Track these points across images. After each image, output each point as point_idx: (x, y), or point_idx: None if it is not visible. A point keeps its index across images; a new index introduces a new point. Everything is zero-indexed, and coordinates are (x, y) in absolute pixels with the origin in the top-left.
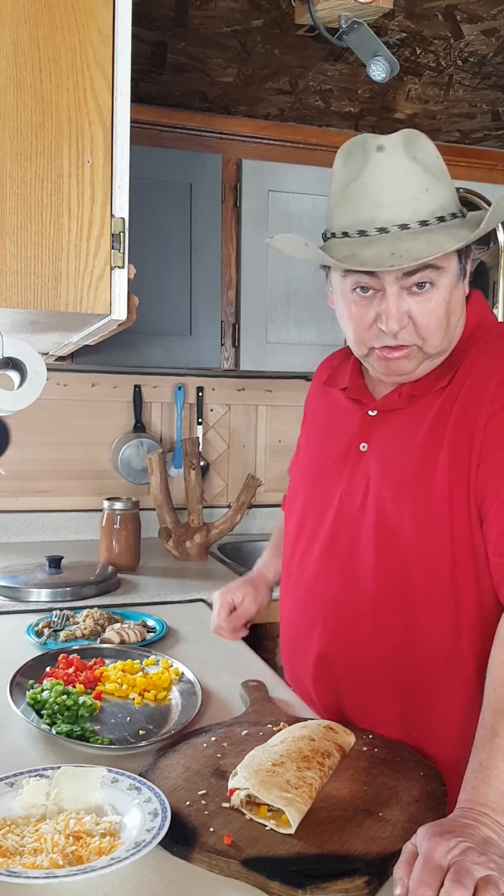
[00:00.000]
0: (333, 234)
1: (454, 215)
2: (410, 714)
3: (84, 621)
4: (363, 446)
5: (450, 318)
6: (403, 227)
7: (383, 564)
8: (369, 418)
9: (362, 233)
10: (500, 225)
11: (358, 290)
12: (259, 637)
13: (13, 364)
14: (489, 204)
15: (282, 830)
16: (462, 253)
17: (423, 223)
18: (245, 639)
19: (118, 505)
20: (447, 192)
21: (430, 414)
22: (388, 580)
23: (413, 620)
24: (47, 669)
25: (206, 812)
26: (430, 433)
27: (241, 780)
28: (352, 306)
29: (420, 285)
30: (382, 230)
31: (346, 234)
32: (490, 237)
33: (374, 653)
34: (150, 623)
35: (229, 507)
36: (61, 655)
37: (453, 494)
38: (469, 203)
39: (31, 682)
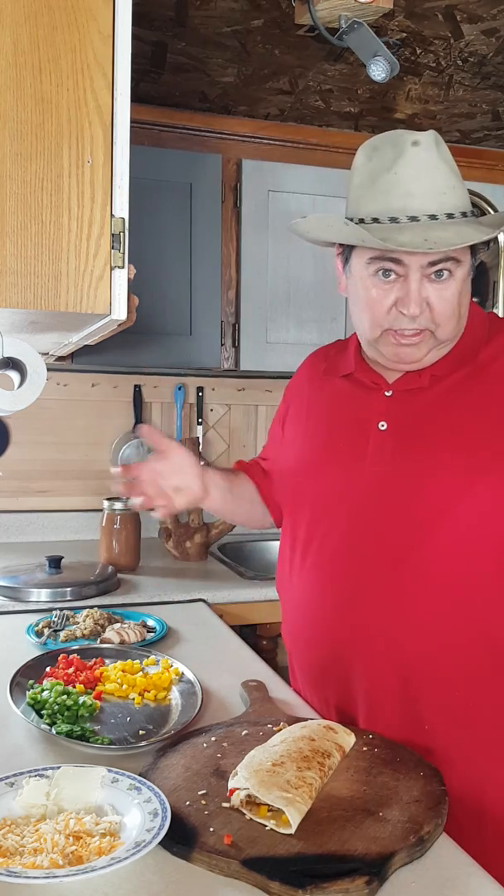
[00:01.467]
0: (362, 220)
1: (472, 213)
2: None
3: (84, 621)
4: (382, 425)
5: (461, 309)
6: (432, 217)
7: (428, 535)
8: (386, 399)
9: (393, 220)
10: None
11: (380, 274)
12: (259, 637)
13: (13, 364)
14: (489, 204)
15: (282, 830)
16: (475, 250)
17: (450, 216)
18: (245, 639)
19: (118, 505)
20: (464, 194)
21: (472, 391)
22: (437, 550)
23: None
24: (47, 669)
25: (206, 812)
26: (484, 407)
27: (241, 780)
28: (372, 290)
29: (439, 273)
30: (413, 218)
31: (375, 220)
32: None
33: (426, 635)
34: (150, 623)
35: None
36: (61, 655)
37: None
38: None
39: (31, 682)
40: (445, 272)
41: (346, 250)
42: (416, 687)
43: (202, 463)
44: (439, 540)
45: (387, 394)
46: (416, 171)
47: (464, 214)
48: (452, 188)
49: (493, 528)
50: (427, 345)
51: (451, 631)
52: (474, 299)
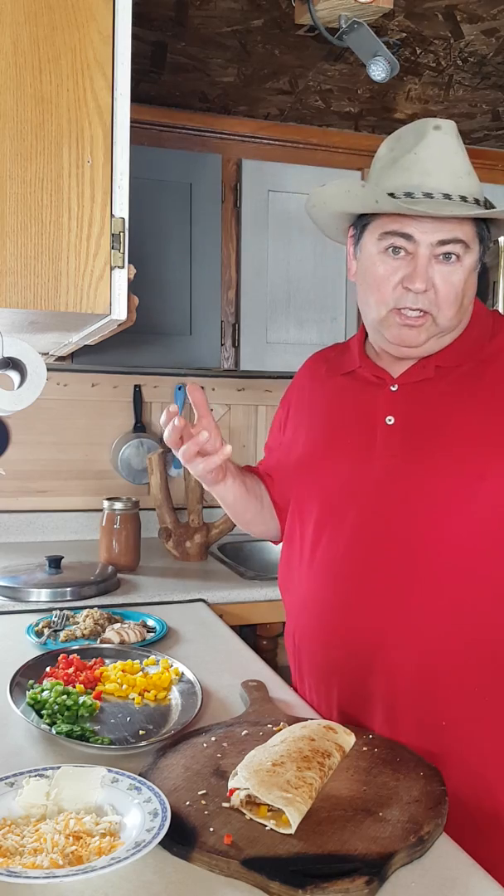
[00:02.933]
0: (388, 194)
1: (486, 204)
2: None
3: (84, 621)
4: (390, 419)
5: (464, 298)
6: (447, 196)
7: (438, 529)
8: (392, 393)
9: (409, 195)
10: None
11: (391, 251)
12: (259, 637)
13: (13, 364)
14: (492, 205)
15: (282, 830)
16: (483, 243)
17: (463, 198)
18: (245, 639)
19: (118, 505)
20: (479, 186)
21: (476, 385)
22: (445, 543)
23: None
24: (47, 669)
25: (206, 812)
26: (487, 401)
27: (241, 780)
28: (380, 267)
29: (447, 256)
30: (428, 195)
31: (392, 195)
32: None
33: (439, 633)
34: (150, 623)
35: None
36: (61, 655)
37: None
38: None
39: (31, 682)
40: (454, 256)
41: (358, 231)
42: (430, 684)
43: None
44: (450, 533)
45: (392, 388)
46: (435, 153)
47: (477, 201)
48: (468, 174)
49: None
50: (427, 331)
51: (464, 625)
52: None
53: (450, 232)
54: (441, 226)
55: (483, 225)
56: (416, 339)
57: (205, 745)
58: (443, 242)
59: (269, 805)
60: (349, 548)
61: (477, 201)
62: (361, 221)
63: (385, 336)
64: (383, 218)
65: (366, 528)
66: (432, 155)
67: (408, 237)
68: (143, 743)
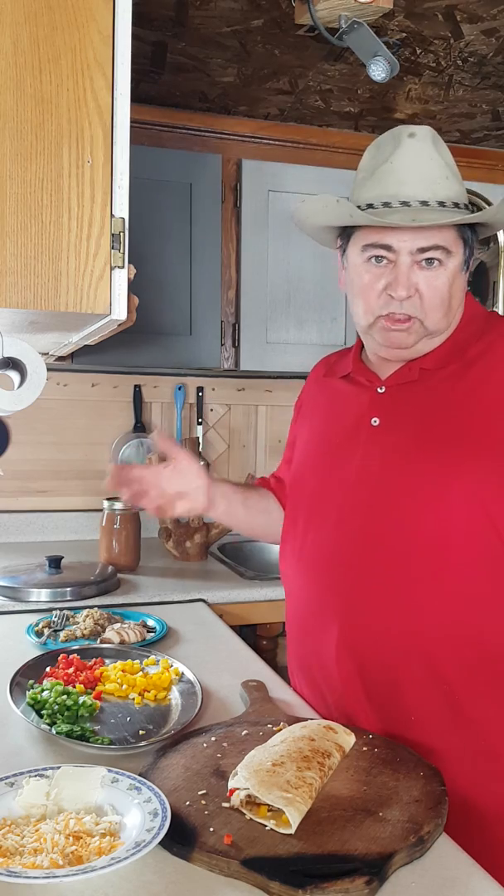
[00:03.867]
0: (358, 207)
1: (467, 207)
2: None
3: (84, 621)
4: (375, 421)
5: (451, 301)
6: (424, 203)
7: (411, 528)
8: (378, 395)
9: (386, 204)
10: None
11: (373, 259)
12: (259, 637)
13: (13, 364)
14: (489, 204)
15: (282, 830)
16: (468, 245)
17: (441, 204)
18: (245, 639)
19: (118, 505)
20: (460, 188)
21: (455, 387)
22: (417, 542)
23: (445, 582)
24: (47, 669)
25: (206, 812)
26: (465, 403)
27: (241, 780)
28: (365, 276)
29: (429, 261)
30: (405, 203)
31: (370, 206)
32: (490, 237)
33: (405, 629)
34: (150, 623)
35: None
36: (61, 655)
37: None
38: (469, 202)
39: (31, 682)
40: (436, 261)
41: (344, 242)
42: (404, 681)
43: (217, 477)
44: (423, 532)
45: (379, 390)
46: (410, 161)
47: (456, 205)
48: (446, 178)
49: (475, 524)
50: (416, 333)
51: (443, 626)
52: (475, 298)
53: (429, 239)
54: (420, 233)
55: (466, 227)
56: (405, 341)
57: (205, 745)
58: (423, 250)
59: (269, 805)
60: (327, 547)
61: (457, 205)
62: (346, 233)
63: (376, 339)
64: (364, 229)
65: (344, 528)
66: (407, 163)
67: (387, 248)
68: (143, 743)
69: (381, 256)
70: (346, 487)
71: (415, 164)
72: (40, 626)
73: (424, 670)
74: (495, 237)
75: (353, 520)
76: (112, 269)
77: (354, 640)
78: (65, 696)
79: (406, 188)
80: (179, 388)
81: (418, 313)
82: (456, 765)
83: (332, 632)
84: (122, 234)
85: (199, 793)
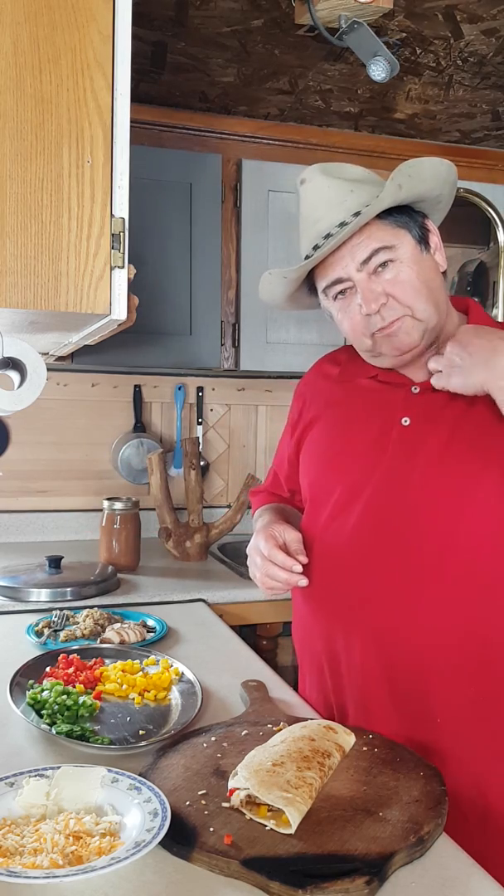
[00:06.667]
0: (305, 258)
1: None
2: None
3: (84, 621)
4: (405, 420)
5: (427, 284)
6: (342, 224)
7: (441, 529)
8: (412, 395)
9: (316, 247)
10: (500, 225)
11: (339, 296)
12: (259, 637)
13: (13, 364)
14: (489, 204)
15: (282, 830)
16: (414, 225)
17: (356, 214)
18: (245, 639)
19: (118, 505)
20: (374, 188)
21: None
22: (447, 543)
23: (483, 587)
24: (47, 669)
25: (206, 812)
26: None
27: (241, 780)
28: (339, 313)
29: (382, 265)
30: (328, 236)
31: (307, 257)
32: (490, 237)
33: (436, 630)
34: (150, 623)
35: (229, 507)
36: (61, 655)
37: None
38: (469, 203)
39: (31, 682)
40: (387, 261)
41: (316, 298)
42: (425, 682)
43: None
44: (452, 534)
45: (414, 390)
46: (312, 201)
47: (368, 205)
48: (351, 192)
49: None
50: (414, 328)
51: (463, 627)
52: (475, 299)
53: (364, 248)
54: (353, 248)
55: (399, 212)
56: (407, 341)
57: (205, 745)
58: (366, 260)
59: (269, 805)
60: (349, 544)
61: (368, 205)
62: (313, 290)
63: (384, 353)
64: (318, 277)
65: (368, 526)
66: (312, 204)
67: (338, 280)
68: (143, 743)
69: (341, 290)
70: (372, 486)
71: (317, 201)
72: (40, 626)
73: (448, 669)
74: (495, 237)
75: (380, 520)
76: (112, 269)
77: (382, 644)
78: (65, 696)
79: (322, 223)
80: (179, 388)
81: (403, 311)
82: (480, 765)
83: (356, 634)
84: (122, 234)
85: (199, 793)
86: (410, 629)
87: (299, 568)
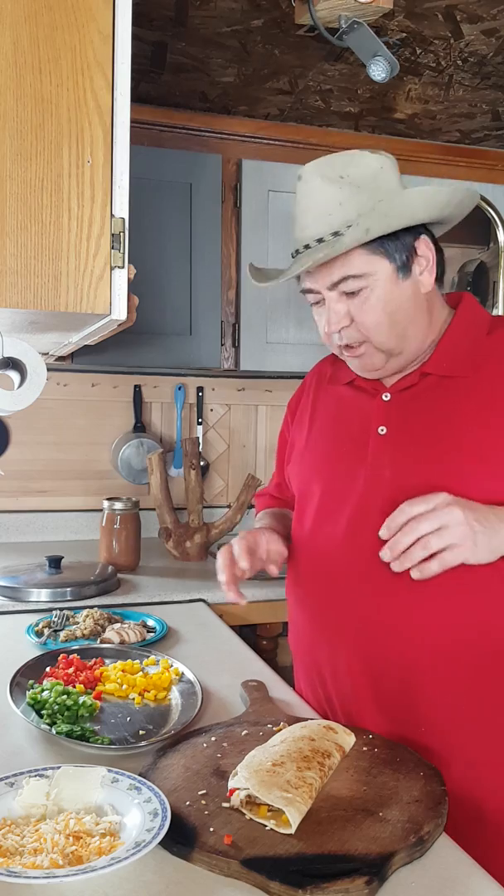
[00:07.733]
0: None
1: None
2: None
3: (84, 621)
4: (382, 430)
5: (394, 316)
6: (320, 240)
7: None
8: (384, 403)
9: (296, 252)
10: (500, 225)
11: (315, 304)
12: (259, 637)
13: (13, 364)
14: (489, 204)
15: (282, 830)
16: (398, 251)
17: (336, 234)
18: (245, 639)
19: (118, 505)
20: (358, 202)
21: (462, 392)
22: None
23: (453, 590)
24: (47, 669)
25: (206, 812)
26: (473, 408)
27: (241, 780)
28: (315, 315)
29: (352, 291)
30: (307, 247)
31: (292, 256)
32: (490, 237)
33: (422, 636)
34: (150, 623)
35: (229, 507)
36: (61, 655)
37: None
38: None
39: (31, 682)
40: (358, 289)
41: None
42: (416, 685)
43: (267, 526)
44: None
45: (385, 398)
46: (304, 203)
47: (350, 227)
48: (339, 205)
49: None
50: (375, 354)
51: (450, 630)
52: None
53: (338, 272)
54: (327, 269)
55: (388, 236)
56: (371, 364)
57: (205, 745)
58: (334, 284)
59: (269, 805)
60: (336, 555)
61: (350, 227)
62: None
63: (350, 364)
64: (300, 279)
65: (352, 537)
66: (303, 206)
67: (311, 290)
68: (143, 743)
69: (317, 300)
70: (357, 495)
71: (308, 204)
72: (40, 626)
73: (437, 673)
74: (495, 237)
75: (365, 528)
76: (112, 269)
77: (367, 648)
78: (65, 696)
79: (307, 231)
80: (179, 388)
81: (360, 338)
82: (466, 767)
83: (343, 638)
84: (122, 234)
85: (199, 793)
86: (396, 636)
87: (232, 597)
